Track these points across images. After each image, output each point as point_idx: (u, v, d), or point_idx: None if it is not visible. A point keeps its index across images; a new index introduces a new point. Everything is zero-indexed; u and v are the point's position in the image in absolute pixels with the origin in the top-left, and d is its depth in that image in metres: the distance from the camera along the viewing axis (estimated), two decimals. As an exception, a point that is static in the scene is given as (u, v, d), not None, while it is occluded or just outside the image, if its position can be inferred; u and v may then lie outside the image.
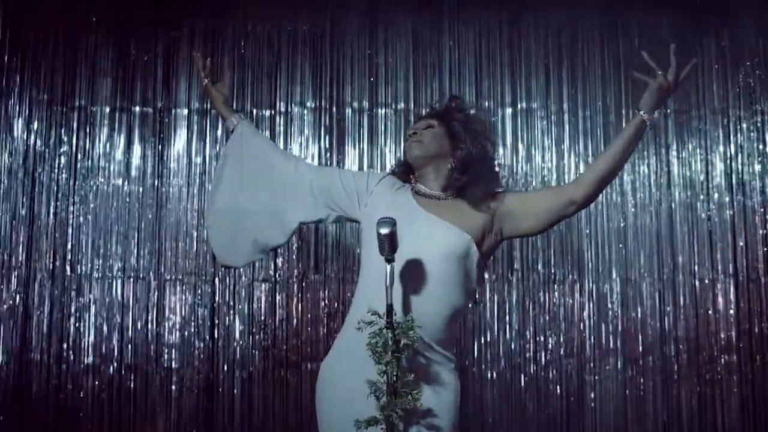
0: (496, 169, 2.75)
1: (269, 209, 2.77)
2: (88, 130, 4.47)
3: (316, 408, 2.61)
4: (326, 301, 4.34)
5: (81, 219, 4.40)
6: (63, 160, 4.44)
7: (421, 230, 2.49)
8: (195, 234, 4.40)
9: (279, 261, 4.35)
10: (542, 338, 4.32)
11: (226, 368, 4.30)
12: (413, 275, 2.47)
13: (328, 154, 4.46)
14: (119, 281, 4.36)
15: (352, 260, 4.33)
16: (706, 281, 4.34)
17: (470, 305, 2.64)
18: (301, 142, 4.48)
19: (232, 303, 4.35)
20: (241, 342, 4.32)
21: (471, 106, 2.86)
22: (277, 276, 4.35)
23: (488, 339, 4.31)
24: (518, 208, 2.64)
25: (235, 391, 4.28)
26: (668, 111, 4.45)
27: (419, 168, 2.69)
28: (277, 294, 4.34)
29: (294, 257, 4.37)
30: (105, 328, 4.33)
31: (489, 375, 4.28)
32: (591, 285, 4.34)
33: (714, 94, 4.45)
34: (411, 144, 2.66)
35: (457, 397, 2.53)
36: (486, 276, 4.30)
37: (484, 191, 2.62)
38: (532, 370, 4.29)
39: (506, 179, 4.38)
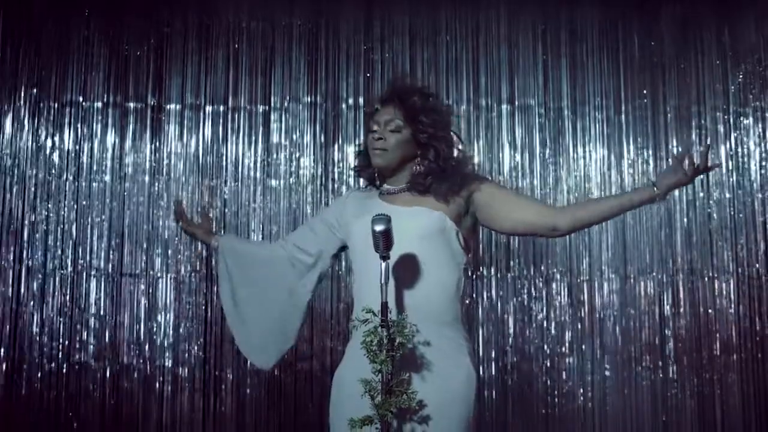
0: (463, 164, 2.69)
1: (278, 302, 2.80)
2: (80, 125, 4.43)
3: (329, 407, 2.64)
4: (317, 302, 4.29)
5: (73, 216, 4.36)
6: (55, 156, 4.40)
7: (394, 223, 2.46)
8: (188, 231, 4.35)
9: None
10: (540, 337, 4.28)
11: (219, 368, 4.26)
12: (399, 268, 2.46)
13: (323, 150, 4.42)
14: (111, 279, 4.32)
15: (343, 260, 4.29)
16: (706, 279, 4.30)
17: (465, 278, 2.62)
18: (295, 138, 4.44)
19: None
20: (234, 341, 4.27)
21: (438, 98, 2.81)
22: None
23: (485, 337, 4.27)
24: (499, 206, 2.62)
25: (229, 390, 4.24)
26: (668, 107, 4.42)
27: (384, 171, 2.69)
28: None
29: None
30: (98, 326, 4.29)
31: (486, 374, 4.23)
32: (590, 283, 4.30)
33: (714, 90, 4.42)
34: (375, 152, 2.61)
35: (469, 389, 2.51)
36: (480, 264, 4.28)
37: (448, 187, 2.59)
38: (530, 369, 4.26)
39: (502, 177, 4.37)
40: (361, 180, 2.85)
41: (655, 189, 2.52)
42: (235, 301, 2.85)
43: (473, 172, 2.78)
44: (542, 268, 4.33)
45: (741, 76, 4.44)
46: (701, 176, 2.61)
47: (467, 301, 4.22)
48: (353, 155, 4.39)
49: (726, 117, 4.41)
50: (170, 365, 4.27)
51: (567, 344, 4.27)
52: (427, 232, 2.53)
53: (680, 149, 4.28)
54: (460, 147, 2.71)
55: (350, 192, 2.91)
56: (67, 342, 4.26)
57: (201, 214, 3.07)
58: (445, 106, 2.78)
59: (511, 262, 4.33)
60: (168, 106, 4.46)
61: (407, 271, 2.49)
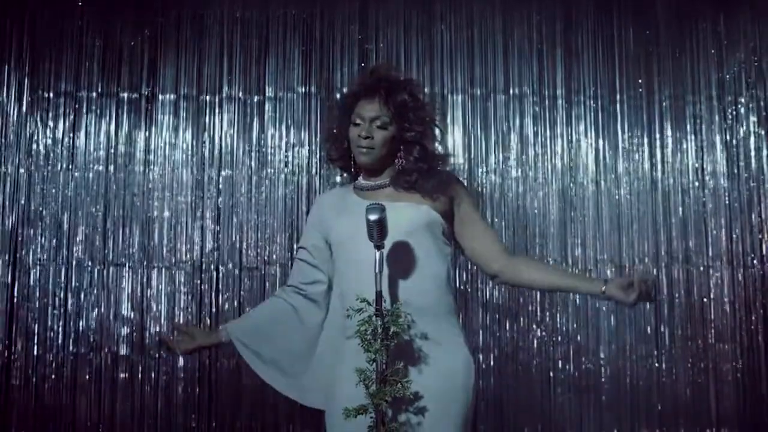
0: (444, 160, 2.70)
1: (320, 342, 2.69)
2: (74, 115, 4.42)
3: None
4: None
5: (66, 206, 4.35)
6: (50, 146, 4.39)
7: None
8: (182, 222, 4.35)
9: (262, 248, 4.31)
10: (534, 326, 4.28)
11: (213, 357, 4.25)
12: (389, 263, 2.45)
13: (318, 140, 4.41)
14: (106, 269, 4.32)
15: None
16: (701, 269, 4.31)
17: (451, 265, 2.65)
18: (290, 128, 4.43)
19: (218, 291, 4.30)
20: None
21: (425, 95, 2.78)
22: (262, 264, 4.31)
23: (479, 327, 4.27)
24: (465, 226, 2.64)
25: (224, 380, 4.24)
26: (663, 96, 4.43)
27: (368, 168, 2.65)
28: (264, 282, 4.30)
29: (277, 247, 4.33)
30: (92, 317, 4.29)
31: (480, 364, 4.23)
32: (584, 272, 4.29)
33: (709, 80, 4.43)
34: (361, 150, 2.57)
35: (467, 378, 2.52)
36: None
37: (434, 185, 2.59)
38: (524, 359, 4.26)
39: (496, 166, 4.37)
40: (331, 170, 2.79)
41: (603, 290, 2.50)
42: (281, 370, 2.72)
43: (454, 171, 2.76)
44: (536, 256, 4.32)
45: (736, 66, 4.44)
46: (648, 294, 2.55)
47: (459, 290, 4.23)
48: (322, 143, 4.27)
49: (721, 106, 4.41)
50: (165, 355, 4.26)
51: (562, 333, 4.28)
52: (414, 226, 2.53)
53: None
54: (439, 139, 2.70)
55: (318, 200, 2.86)
56: (61, 332, 4.26)
57: (188, 329, 2.86)
58: (430, 100, 2.76)
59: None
60: (162, 96, 4.45)
61: (398, 265, 2.48)
